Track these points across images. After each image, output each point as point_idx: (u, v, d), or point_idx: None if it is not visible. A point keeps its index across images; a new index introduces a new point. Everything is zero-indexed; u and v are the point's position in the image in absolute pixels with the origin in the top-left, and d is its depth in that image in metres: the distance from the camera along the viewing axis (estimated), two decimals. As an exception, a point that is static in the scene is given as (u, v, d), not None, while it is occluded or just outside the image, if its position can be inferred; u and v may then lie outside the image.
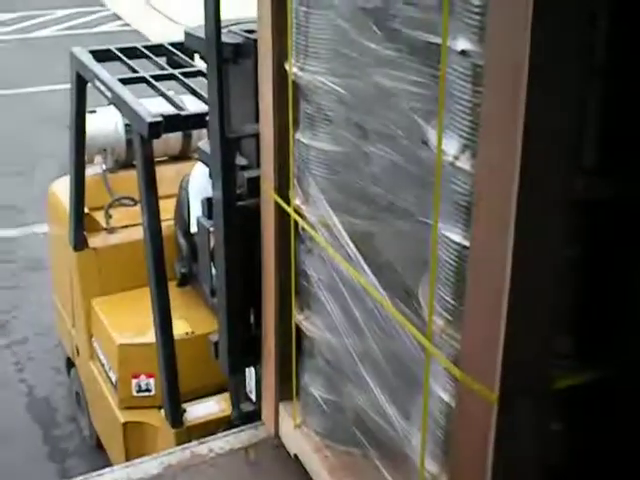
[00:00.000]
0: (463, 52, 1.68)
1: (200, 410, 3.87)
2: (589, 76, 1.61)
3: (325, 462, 2.67)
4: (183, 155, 5.00)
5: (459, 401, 1.81)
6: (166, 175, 4.51)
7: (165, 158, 5.01)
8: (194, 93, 3.88)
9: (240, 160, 2.92)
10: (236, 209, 2.79)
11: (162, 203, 4.14)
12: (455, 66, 1.71)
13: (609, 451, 1.93)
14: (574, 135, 1.57)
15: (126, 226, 4.71)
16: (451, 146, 1.75)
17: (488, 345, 1.67)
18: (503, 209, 1.57)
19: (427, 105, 1.86)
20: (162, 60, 4.44)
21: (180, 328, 4.20)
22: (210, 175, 2.85)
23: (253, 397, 3.25)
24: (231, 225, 2.78)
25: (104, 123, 4.82)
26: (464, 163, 1.72)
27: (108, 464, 4.24)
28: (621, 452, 1.98)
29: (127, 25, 14.17)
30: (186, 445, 3.02)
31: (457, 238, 1.78)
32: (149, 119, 3.44)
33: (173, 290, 4.39)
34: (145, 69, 4.29)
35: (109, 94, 3.89)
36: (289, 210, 2.54)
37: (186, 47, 3.27)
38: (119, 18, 14.76)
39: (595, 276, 1.78)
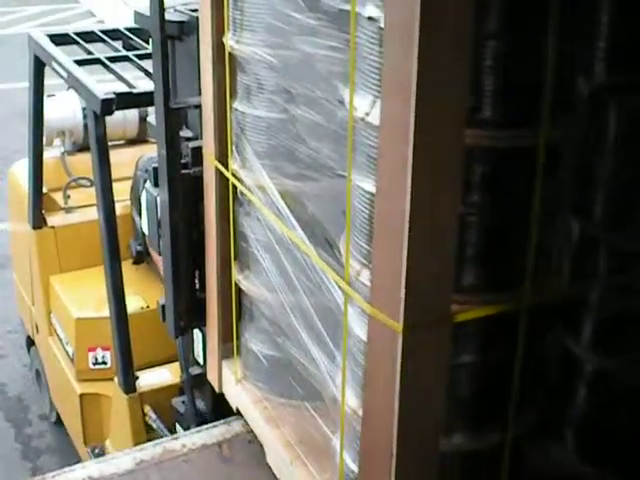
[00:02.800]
0: (370, 18, 1.86)
1: (152, 377, 4.02)
2: (481, 36, 1.80)
3: (264, 413, 2.84)
4: (141, 139, 5.16)
5: (370, 335, 1.99)
6: (124, 158, 4.67)
7: (123, 142, 5.17)
8: (146, 73, 4.04)
9: (186, 132, 3.10)
10: (180, 177, 2.95)
11: (120, 185, 4.31)
12: (364, 31, 1.89)
13: (515, 382, 2.12)
14: (466, 88, 1.75)
15: (84, 206, 4.86)
16: (362, 103, 1.93)
17: (393, 281, 1.84)
18: (402, 157, 1.75)
19: (343, 68, 2.03)
20: (119, 44, 4.59)
21: (136, 303, 4.37)
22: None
23: (201, 361, 3.41)
24: (175, 192, 2.94)
25: (63, 106, 4.96)
26: (374, 118, 1.90)
27: (80, 461, 4.36)
28: (526, 382, 2.18)
29: (101, 22, 14.20)
30: (159, 441, 3.05)
31: (369, 187, 1.96)
32: (101, 96, 3.60)
33: (129, 267, 4.56)
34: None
35: (65, 75, 4.03)
36: (228, 175, 2.72)
37: (139, 29, 3.43)
38: (93, 15, 14.80)
39: (494, 218, 1.96)
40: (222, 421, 3.06)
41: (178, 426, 3.75)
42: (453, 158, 1.78)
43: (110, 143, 4.16)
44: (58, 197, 4.94)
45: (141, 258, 4.67)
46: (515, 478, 2.28)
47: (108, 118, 3.82)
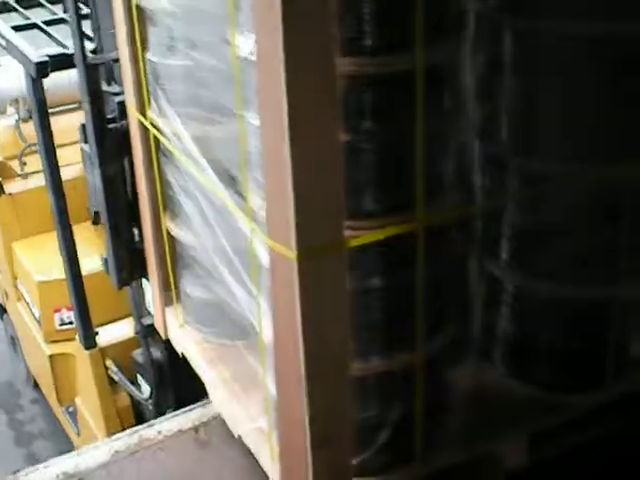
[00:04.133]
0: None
1: (113, 332, 4.12)
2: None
3: (204, 355, 2.93)
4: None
5: (271, 266, 2.06)
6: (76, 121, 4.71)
7: (75, 106, 5.20)
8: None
9: (114, 87, 3.16)
10: (108, 131, 3.01)
11: (74, 149, 4.35)
12: (241, -30, 1.95)
13: (419, 302, 2.20)
14: (334, 17, 1.81)
15: (40, 171, 4.91)
16: (246, 43, 1.99)
17: (283, 211, 1.91)
18: (278, 90, 1.81)
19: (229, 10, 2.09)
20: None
21: (95, 263, 4.44)
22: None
23: (152, 310, 3.50)
24: (103, 147, 3.01)
25: (13, 75, 4.99)
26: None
27: (72, 446, 4.40)
28: (436, 303, 2.26)
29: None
30: (135, 429, 3.01)
31: (259, 123, 2.02)
32: (35, 59, 3.64)
33: (89, 229, 4.62)
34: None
35: (3, 42, 4.07)
36: (147, 125, 2.78)
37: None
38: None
39: (382, 143, 2.03)
40: (198, 404, 3.04)
41: (139, 377, 3.85)
42: (329, 86, 1.84)
43: (64, 107, 4.20)
44: (15, 165, 4.99)
45: (99, 218, 4.72)
46: (435, 396, 2.38)
47: (56, 82, 3.86)
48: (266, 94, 1.88)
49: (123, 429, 4.11)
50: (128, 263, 3.20)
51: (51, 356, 4.55)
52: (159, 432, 2.94)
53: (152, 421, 3.04)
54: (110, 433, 4.05)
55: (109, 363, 4.05)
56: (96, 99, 2.97)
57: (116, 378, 4.01)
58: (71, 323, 4.52)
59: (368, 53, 1.97)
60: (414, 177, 2.05)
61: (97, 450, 2.89)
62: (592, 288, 2.52)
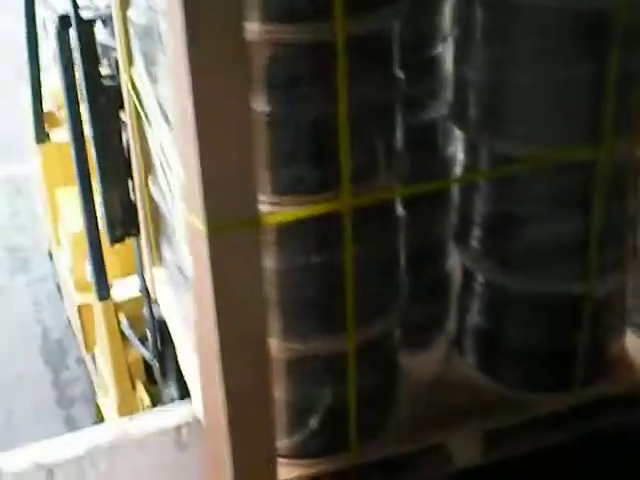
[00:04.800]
0: None
1: (128, 287, 4.13)
2: None
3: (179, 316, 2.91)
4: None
5: (189, 237, 2.01)
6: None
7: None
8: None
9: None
10: (103, 88, 3.00)
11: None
12: None
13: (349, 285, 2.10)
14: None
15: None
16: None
17: (195, 185, 1.84)
18: (183, 57, 1.73)
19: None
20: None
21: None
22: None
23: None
24: (97, 103, 2.99)
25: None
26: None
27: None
28: (372, 286, 2.16)
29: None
30: (117, 423, 2.99)
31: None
32: (60, 12, 3.65)
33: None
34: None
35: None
36: (129, 83, 2.75)
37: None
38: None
39: (301, 117, 1.93)
40: (185, 401, 2.94)
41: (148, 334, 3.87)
42: (235, 55, 1.75)
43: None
44: (62, 114, 5.05)
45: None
46: (374, 382, 2.29)
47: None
48: (175, 61, 1.80)
49: (133, 385, 4.17)
50: (121, 220, 3.19)
51: (79, 306, 4.61)
52: (139, 429, 2.83)
53: (133, 416, 2.99)
54: (120, 386, 4.10)
55: (122, 317, 4.07)
56: (89, 55, 2.95)
57: (126, 333, 4.04)
58: (101, 274, 4.57)
59: (291, 20, 1.86)
60: (338, 154, 1.95)
61: (74, 443, 2.82)
62: (560, 283, 2.38)
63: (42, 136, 4.93)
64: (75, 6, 2.86)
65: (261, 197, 1.93)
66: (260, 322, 2.01)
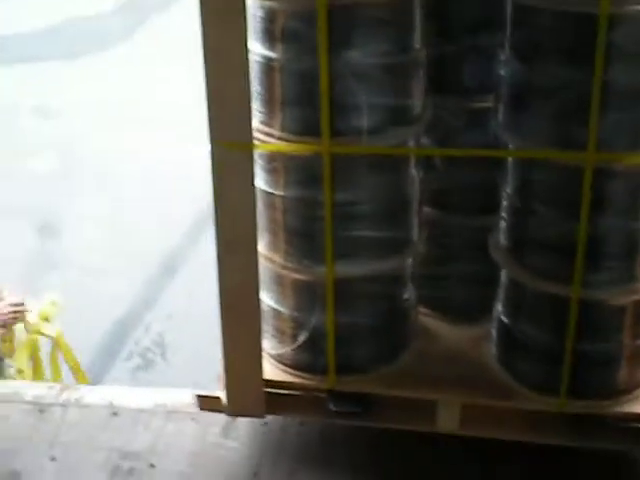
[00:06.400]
0: None
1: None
2: None
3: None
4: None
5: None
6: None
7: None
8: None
9: None
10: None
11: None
12: None
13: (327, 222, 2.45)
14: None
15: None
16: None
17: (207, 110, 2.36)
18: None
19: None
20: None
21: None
22: None
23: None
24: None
25: None
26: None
27: None
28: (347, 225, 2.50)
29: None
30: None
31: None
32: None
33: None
34: None
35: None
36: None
37: None
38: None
39: (292, 67, 2.34)
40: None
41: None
42: (237, 7, 2.21)
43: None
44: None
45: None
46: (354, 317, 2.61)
47: None
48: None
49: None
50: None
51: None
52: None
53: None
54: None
55: None
56: None
57: None
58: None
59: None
60: (317, 104, 2.29)
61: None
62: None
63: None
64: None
65: (263, 129, 2.41)
66: (251, 230, 2.44)
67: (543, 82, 2.27)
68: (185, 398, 2.99)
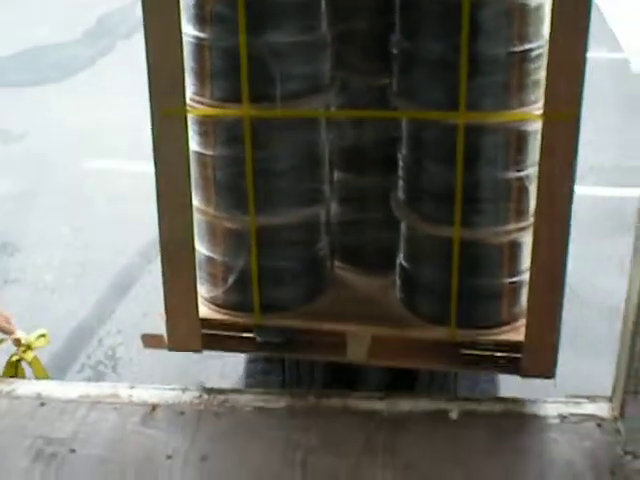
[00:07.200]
0: None
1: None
2: None
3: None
4: None
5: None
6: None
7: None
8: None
9: None
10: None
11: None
12: None
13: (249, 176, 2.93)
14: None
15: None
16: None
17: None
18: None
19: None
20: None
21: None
22: None
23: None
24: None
25: None
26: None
27: None
28: (267, 180, 2.97)
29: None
30: None
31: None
32: None
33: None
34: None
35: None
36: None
37: None
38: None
39: (217, 44, 2.82)
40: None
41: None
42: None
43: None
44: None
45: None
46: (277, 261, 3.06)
47: None
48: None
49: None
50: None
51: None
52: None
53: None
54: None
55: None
56: None
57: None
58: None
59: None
60: (238, 73, 2.76)
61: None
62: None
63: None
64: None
65: (195, 98, 2.88)
66: (185, 187, 2.90)
67: (424, 55, 2.78)
68: (109, 390, 3.21)
